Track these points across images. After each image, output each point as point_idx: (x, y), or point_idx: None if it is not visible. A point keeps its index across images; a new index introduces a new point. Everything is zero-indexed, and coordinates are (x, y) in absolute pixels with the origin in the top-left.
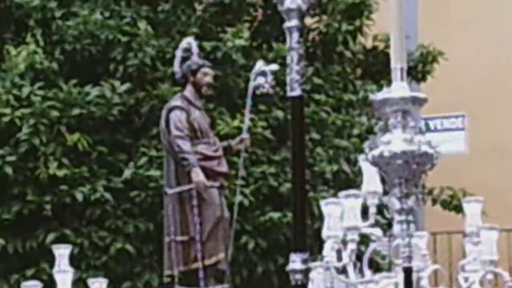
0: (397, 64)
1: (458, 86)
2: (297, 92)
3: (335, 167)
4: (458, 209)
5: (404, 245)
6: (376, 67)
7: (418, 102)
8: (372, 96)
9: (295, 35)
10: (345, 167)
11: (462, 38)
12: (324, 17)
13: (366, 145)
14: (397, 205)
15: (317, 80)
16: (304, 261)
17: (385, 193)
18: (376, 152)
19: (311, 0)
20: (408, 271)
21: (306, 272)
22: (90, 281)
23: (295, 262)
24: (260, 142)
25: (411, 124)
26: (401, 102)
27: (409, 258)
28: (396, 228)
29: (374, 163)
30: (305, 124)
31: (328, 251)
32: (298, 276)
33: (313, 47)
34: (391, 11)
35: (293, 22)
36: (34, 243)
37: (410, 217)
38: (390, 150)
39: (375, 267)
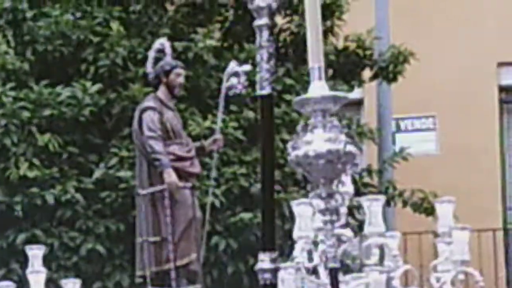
0: (314, 63)
1: (429, 86)
2: (266, 90)
3: None
4: (429, 211)
5: (329, 245)
6: (347, 68)
7: (339, 101)
8: (295, 98)
9: (265, 33)
10: None
11: (433, 38)
12: (296, 18)
13: (288, 145)
14: (321, 205)
15: (288, 81)
16: (273, 260)
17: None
18: (300, 152)
19: None
20: (333, 271)
21: (275, 271)
22: (63, 281)
23: (264, 261)
24: (231, 142)
25: (334, 123)
26: (321, 101)
27: (334, 258)
28: (321, 229)
29: (298, 163)
30: (276, 124)
31: (299, 251)
32: (267, 275)
33: (284, 47)
34: (307, 10)
35: (263, 20)
36: (4, 244)
37: (334, 217)
38: (314, 150)
39: (345, 269)
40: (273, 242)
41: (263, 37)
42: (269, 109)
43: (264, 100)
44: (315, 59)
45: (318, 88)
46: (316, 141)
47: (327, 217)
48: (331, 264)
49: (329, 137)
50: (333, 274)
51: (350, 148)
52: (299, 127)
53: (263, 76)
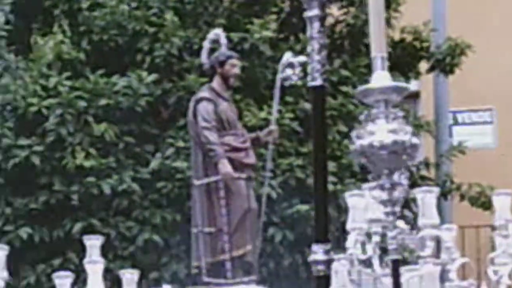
0: (377, 53)
1: (486, 79)
2: (318, 82)
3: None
4: (486, 205)
5: (391, 237)
6: (404, 60)
7: (400, 91)
8: (357, 89)
9: (316, 25)
10: None
11: (490, 31)
12: (352, 9)
13: (353, 134)
14: (384, 196)
15: (344, 72)
16: (326, 252)
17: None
18: (364, 142)
19: None
20: (395, 263)
21: (328, 263)
22: (121, 272)
23: (317, 253)
24: (288, 134)
25: (398, 114)
26: (383, 91)
27: (396, 250)
28: (378, 220)
29: (362, 152)
30: (332, 116)
31: (352, 243)
32: (320, 267)
33: (340, 39)
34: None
35: (314, 12)
36: (61, 233)
37: (396, 208)
38: (379, 141)
39: (402, 261)
40: (326, 233)
41: (314, 28)
42: (320, 100)
43: (316, 91)
44: (378, 49)
45: (381, 78)
46: (379, 131)
47: (389, 209)
48: (393, 256)
49: (393, 128)
50: (395, 266)
51: (415, 140)
52: (362, 117)
53: (315, 67)
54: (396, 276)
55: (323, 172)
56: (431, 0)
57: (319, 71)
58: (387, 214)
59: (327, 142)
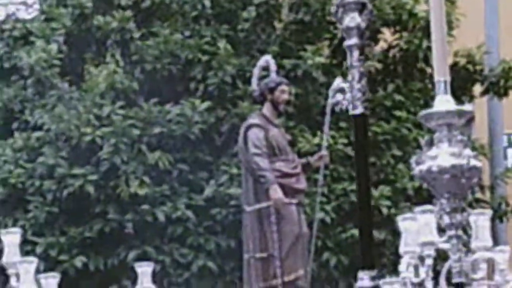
0: (440, 77)
1: None
2: (359, 110)
3: (416, 184)
4: None
5: (455, 260)
6: (458, 83)
7: (464, 115)
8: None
9: (355, 53)
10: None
11: None
12: (405, 34)
13: (412, 160)
14: (446, 219)
15: (398, 97)
16: (373, 279)
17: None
18: (424, 167)
19: (370, 18)
20: (459, 287)
21: None
22: None
23: (363, 279)
24: (341, 159)
25: (459, 138)
26: (446, 115)
27: (460, 273)
28: (447, 244)
29: (422, 178)
30: (386, 140)
31: (405, 266)
32: None
33: (394, 64)
34: (433, 24)
35: (353, 40)
36: (115, 261)
37: (459, 232)
38: (438, 165)
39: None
40: (371, 260)
41: (354, 56)
42: (362, 128)
43: (357, 120)
44: (441, 73)
45: (444, 102)
46: (441, 155)
47: (452, 232)
48: (457, 279)
49: (454, 152)
50: None
51: (474, 162)
52: (423, 142)
53: (355, 95)
54: None
55: (366, 198)
56: (484, 24)
57: (360, 99)
58: (450, 237)
59: (368, 167)
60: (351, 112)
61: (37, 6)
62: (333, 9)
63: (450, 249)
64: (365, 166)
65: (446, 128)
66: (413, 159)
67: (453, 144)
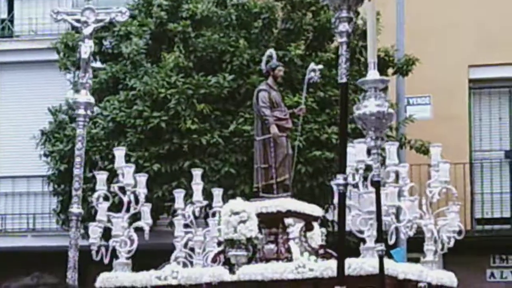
0: (371, 59)
1: (427, 77)
2: (344, 80)
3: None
4: (425, 152)
5: (376, 169)
6: (378, 68)
7: (384, 82)
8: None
9: (345, 47)
10: None
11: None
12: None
13: (354, 108)
14: (371, 143)
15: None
16: (345, 179)
17: None
18: (360, 112)
19: (354, 27)
20: (377, 183)
21: (345, 186)
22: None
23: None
24: (310, 111)
25: (382, 95)
26: (374, 82)
27: (378, 175)
28: (372, 160)
29: (359, 118)
30: (336, 100)
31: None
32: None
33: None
34: (368, 30)
35: (344, 40)
36: (177, 167)
37: (379, 151)
38: (369, 111)
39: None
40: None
41: (343, 49)
42: (345, 92)
43: (342, 87)
44: (372, 56)
45: (373, 74)
46: (370, 105)
47: (375, 151)
48: (376, 179)
49: (378, 103)
50: (376, 186)
51: (390, 110)
52: (360, 97)
53: (343, 71)
54: (377, 193)
55: (344, 133)
56: (396, 31)
57: (344, 74)
58: (374, 154)
59: (347, 123)
60: (340, 81)
61: (128, 13)
62: (333, 20)
63: (373, 163)
64: (345, 120)
65: (374, 89)
66: (354, 107)
67: (377, 99)
